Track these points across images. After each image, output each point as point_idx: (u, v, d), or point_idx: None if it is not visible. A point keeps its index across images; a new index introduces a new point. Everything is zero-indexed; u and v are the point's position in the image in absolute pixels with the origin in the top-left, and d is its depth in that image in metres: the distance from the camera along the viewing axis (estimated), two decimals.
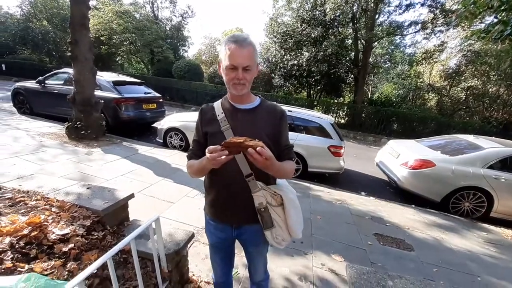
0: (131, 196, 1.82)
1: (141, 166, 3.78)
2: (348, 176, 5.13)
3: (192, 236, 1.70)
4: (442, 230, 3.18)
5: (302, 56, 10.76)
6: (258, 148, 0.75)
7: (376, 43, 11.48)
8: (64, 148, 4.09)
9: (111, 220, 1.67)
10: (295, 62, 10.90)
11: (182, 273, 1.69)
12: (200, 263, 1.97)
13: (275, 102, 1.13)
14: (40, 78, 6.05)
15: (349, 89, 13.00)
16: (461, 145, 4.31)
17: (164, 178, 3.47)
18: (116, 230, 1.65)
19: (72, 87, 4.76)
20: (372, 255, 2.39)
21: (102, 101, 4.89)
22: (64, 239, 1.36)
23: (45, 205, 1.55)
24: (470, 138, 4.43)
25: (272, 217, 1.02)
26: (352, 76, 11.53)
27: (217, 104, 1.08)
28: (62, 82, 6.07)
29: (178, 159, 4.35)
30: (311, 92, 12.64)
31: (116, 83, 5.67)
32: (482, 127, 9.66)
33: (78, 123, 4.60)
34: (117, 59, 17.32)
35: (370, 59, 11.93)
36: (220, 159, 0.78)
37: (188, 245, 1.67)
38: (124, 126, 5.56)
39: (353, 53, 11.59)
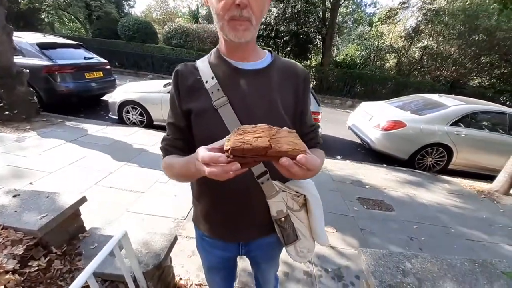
0: (83, 200, 1.38)
1: (94, 151, 3.13)
2: (324, 141, 5.14)
3: (175, 240, 1.39)
4: (412, 186, 3.40)
5: (270, 13, 9.80)
6: (299, 157, 0.41)
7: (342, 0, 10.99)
8: None
9: (57, 237, 1.24)
10: (262, 20, 9.91)
11: (168, 283, 1.41)
12: (186, 262, 1.71)
13: (290, 60, 0.76)
14: None
15: (316, 50, 12.65)
16: (427, 104, 4.50)
17: (126, 162, 2.94)
18: (67, 249, 1.24)
19: None
20: (360, 221, 2.42)
21: (27, 70, 3.79)
22: None
23: None
24: (435, 97, 4.64)
25: (295, 226, 0.75)
26: (319, 36, 11.09)
27: (203, 63, 0.69)
28: None
29: (141, 137, 3.75)
30: (280, 54, 11.98)
31: (43, 46, 4.40)
32: (433, 85, 10.50)
33: None
34: (43, 16, 13.78)
35: (337, 19, 11.53)
36: (226, 175, 0.43)
37: (171, 252, 1.36)
38: (64, 101, 4.51)
39: (321, 12, 10.99)
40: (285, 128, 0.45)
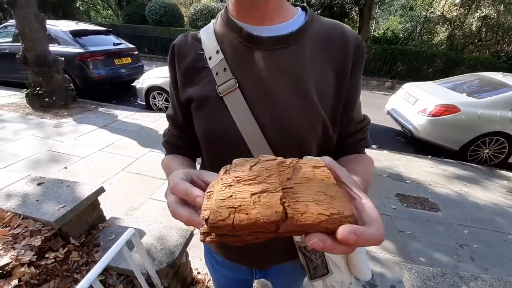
0: (100, 190, 1.34)
1: (123, 137, 3.23)
2: None
3: (191, 236, 1.31)
4: (463, 182, 2.93)
5: None
6: (345, 234, 0.20)
7: None
8: (27, 122, 3.44)
9: (76, 227, 1.23)
10: None
11: (185, 277, 1.36)
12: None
13: (336, 21, 0.51)
14: None
15: (352, 25, 11.44)
16: (485, 85, 3.77)
17: (151, 149, 2.98)
18: (86, 240, 1.23)
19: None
20: (399, 222, 2.13)
21: (62, 58, 3.97)
22: (4, 274, 0.93)
23: None
24: (498, 76, 3.85)
25: (325, 256, 0.57)
26: (356, 8, 9.92)
27: (207, 33, 0.50)
28: (11, 38, 4.95)
29: (166, 123, 3.74)
30: None
31: (76, 34, 4.58)
32: (492, 62, 8.91)
33: (38, 88, 3.81)
34: (78, 5, 14.53)
35: None
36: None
37: (187, 248, 1.29)
38: (97, 88, 4.71)
39: None
40: (307, 158, 0.26)
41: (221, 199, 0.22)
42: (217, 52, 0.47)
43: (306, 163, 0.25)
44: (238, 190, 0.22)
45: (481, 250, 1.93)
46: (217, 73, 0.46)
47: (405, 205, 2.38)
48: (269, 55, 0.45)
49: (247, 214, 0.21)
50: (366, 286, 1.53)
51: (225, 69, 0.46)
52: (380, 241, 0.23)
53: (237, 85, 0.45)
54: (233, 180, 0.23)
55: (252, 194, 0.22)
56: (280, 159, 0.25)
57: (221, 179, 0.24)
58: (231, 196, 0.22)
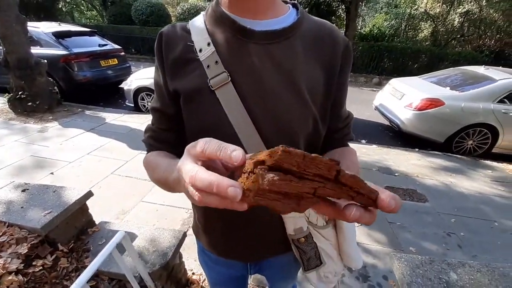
0: (88, 194, 1.31)
1: (112, 139, 3.16)
2: None
3: (183, 237, 1.30)
4: (449, 173, 3.03)
5: None
6: (388, 200, 0.22)
7: None
8: (10, 127, 3.31)
9: (64, 233, 1.20)
10: None
11: (179, 279, 1.35)
12: None
13: (325, 21, 0.52)
14: None
15: (339, 22, 11.58)
16: (468, 78, 3.91)
17: (141, 151, 2.92)
18: (75, 246, 1.20)
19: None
20: (389, 214, 2.18)
21: (45, 60, 3.84)
22: None
23: None
24: (481, 70, 4.00)
25: (318, 247, 0.57)
26: (343, 6, 10.06)
27: (197, 24, 0.49)
28: None
29: None
30: None
31: (59, 35, 4.44)
32: (474, 57, 9.24)
33: (20, 92, 3.68)
34: (60, 6, 14.06)
35: None
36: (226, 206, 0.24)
37: (180, 249, 1.28)
38: (83, 90, 4.59)
39: None
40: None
41: (277, 180, 0.21)
42: (208, 44, 0.46)
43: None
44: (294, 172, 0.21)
45: (468, 238, 2.01)
46: (208, 66, 0.45)
47: None
48: (262, 49, 0.45)
49: (288, 185, 0.21)
50: (359, 277, 1.57)
51: (216, 62, 0.45)
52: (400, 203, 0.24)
53: (230, 78, 0.45)
54: (292, 163, 0.21)
55: (294, 186, 0.21)
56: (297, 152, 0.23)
57: (274, 152, 0.22)
58: (288, 177, 0.21)
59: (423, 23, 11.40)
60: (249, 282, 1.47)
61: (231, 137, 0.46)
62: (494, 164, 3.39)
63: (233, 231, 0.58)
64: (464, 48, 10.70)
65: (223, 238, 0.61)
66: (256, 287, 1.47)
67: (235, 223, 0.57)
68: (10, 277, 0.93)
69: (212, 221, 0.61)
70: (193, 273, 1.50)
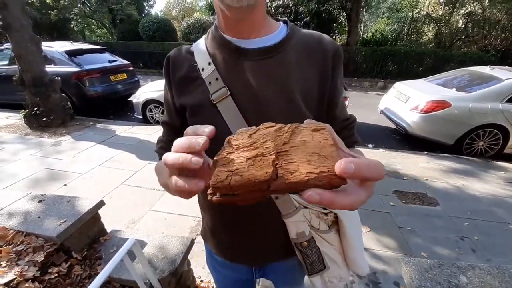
0: (100, 204, 1.36)
1: (122, 151, 3.26)
2: None
3: (191, 244, 1.33)
4: (460, 176, 2.96)
5: None
6: (341, 164, 0.22)
7: None
8: (26, 142, 3.47)
9: (77, 241, 1.25)
10: (280, 3, 9.46)
11: (187, 286, 1.37)
12: None
13: (313, 31, 0.57)
14: None
15: (340, 29, 11.73)
16: (475, 79, 3.86)
17: (150, 161, 3.00)
18: (88, 254, 1.24)
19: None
20: (398, 218, 2.15)
21: (59, 78, 4.04)
22: None
23: None
24: (486, 70, 3.95)
25: (321, 251, 0.58)
26: (344, 13, 10.22)
27: (199, 46, 0.55)
28: (7, 61, 5.03)
29: None
30: None
31: (71, 53, 4.68)
32: (480, 57, 9.12)
33: (36, 109, 3.86)
34: (72, 25, 14.83)
35: None
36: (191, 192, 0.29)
37: (188, 256, 1.30)
38: (94, 104, 4.78)
39: None
40: (308, 121, 0.28)
41: (221, 165, 0.26)
42: (209, 63, 0.52)
43: (306, 127, 0.27)
44: (236, 156, 0.26)
45: (482, 242, 1.95)
46: (209, 83, 0.51)
47: (403, 201, 2.41)
48: (256, 65, 0.50)
49: (241, 176, 0.24)
50: (369, 284, 1.54)
51: (217, 78, 0.50)
52: (381, 169, 0.24)
53: (229, 92, 0.50)
54: (233, 148, 0.27)
55: (248, 159, 0.25)
56: (279, 125, 0.27)
57: (224, 148, 0.28)
58: (230, 162, 0.26)
59: (426, 26, 11.38)
60: (257, 287, 1.47)
61: None
62: (507, 165, 3.29)
63: (237, 235, 0.61)
64: (469, 49, 10.59)
65: (228, 241, 0.64)
66: None
67: (239, 226, 0.60)
68: (27, 284, 0.97)
69: (218, 225, 0.63)
70: (201, 281, 1.51)
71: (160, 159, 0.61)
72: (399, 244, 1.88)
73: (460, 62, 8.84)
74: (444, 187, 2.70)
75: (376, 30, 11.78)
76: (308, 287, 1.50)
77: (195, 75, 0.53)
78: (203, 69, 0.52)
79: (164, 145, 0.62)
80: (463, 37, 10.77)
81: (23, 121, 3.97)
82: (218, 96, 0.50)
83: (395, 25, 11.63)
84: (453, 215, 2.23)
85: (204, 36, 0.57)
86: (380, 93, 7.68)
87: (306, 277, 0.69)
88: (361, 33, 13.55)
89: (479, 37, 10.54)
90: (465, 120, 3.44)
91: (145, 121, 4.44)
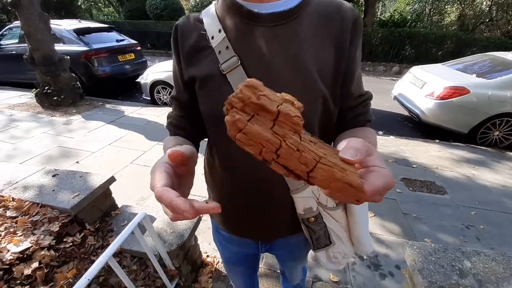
0: (111, 180, 1.41)
1: (130, 131, 3.30)
2: None
3: (198, 221, 1.37)
4: (472, 165, 2.88)
5: None
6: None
7: None
8: (38, 120, 3.56)
9: (90, 214, 1.31)
10: None
11: (194, 260, 1.43)
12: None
13: None
14: None
15: (357, 8, 11.08)
16: (497, 65, 3.63)
17: (158, 142, 3.04)
18: (100, 226, 1.30)
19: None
20: (404, 205, 2.14)
21: (68, 57, 4.05)
22: (24, 257, 1.01)
23: None
24: (509, 56, 3.70)
25: (328, 227, 0.59)
26: None
27: (209, 13, 0.52)
28: (17, 39, 5.05)
29: None
30: None
31: (80, 32, 4.64)
32: (503, 42, 8.51)
33: (46, 88, 3.91)
34: (79, 3, 14.58)
35: None
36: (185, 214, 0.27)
37: (196, 233, 1.35)
38: (103, 85, 4.79)
39: None
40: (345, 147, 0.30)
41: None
42: (219, 31, 0.48)
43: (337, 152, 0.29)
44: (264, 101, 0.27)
45: (488, 231, 1.93)
46: (219, 52, 0.48)
47: (411, 189, 2.38)
48: (269, 32, 0.47)
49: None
50: (371, 266, 1.57)
51: (227, 47, 0.47)
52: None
53: (240, 62, 0.47)
54: (259, 95, 0.27)
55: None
56: (291, 100, 0.29)
57: (242, 89, 0.27)
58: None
59: (449, 6, 10.60)
60: (260, 266, 1.52)
61: None
62: None
63: (244, 210, 0.61)
64: (493, 33, 9.90)
65: (235, 217, 0.64)
66: (268, 271, 1.52)
67: (247, 202, 0.60)
68: (42, 252, 1.03)
69: (224, 202, 0.64)
70: (207, 256, 1.58)
71: (170, 134, 0.62)
72: (403, 229, 1.88)
73: (482, 47, 8.29)
74: (454, 176, 2.64)
75: (395, 10, 11.04)
76: (312, 266, 1.54)
77: (204, 44, 0.50)
78: (213, 37, 0.49)
79: (173, 121, 0.61)
80: (487, 20, 10.01)
81: (35, 100, 4.05)
82: (228, 65, 0.47)
83: (416, 5, 10.86)
84: (461, 204, 2.20)
85: (214, 2, 0.54)
86: (394, 78, 7.40)
87: (310, 254, 0.70)
88: (379, 14, 12.79)
89: (503, 21, 9.79)
90: (483, 108, 3.29)
91: (153, 102, 4.45)
